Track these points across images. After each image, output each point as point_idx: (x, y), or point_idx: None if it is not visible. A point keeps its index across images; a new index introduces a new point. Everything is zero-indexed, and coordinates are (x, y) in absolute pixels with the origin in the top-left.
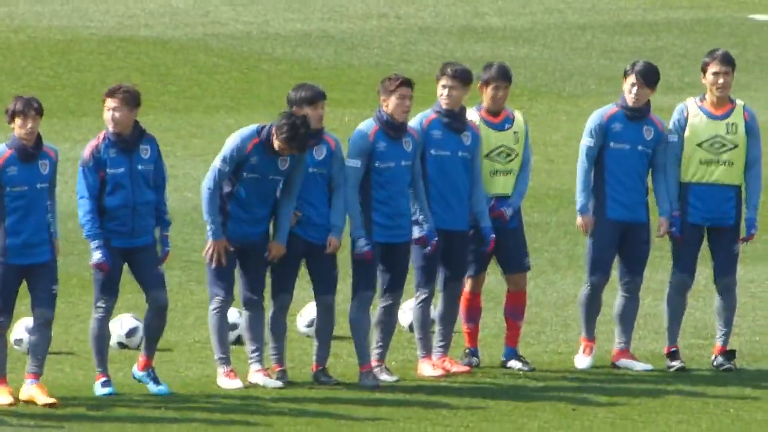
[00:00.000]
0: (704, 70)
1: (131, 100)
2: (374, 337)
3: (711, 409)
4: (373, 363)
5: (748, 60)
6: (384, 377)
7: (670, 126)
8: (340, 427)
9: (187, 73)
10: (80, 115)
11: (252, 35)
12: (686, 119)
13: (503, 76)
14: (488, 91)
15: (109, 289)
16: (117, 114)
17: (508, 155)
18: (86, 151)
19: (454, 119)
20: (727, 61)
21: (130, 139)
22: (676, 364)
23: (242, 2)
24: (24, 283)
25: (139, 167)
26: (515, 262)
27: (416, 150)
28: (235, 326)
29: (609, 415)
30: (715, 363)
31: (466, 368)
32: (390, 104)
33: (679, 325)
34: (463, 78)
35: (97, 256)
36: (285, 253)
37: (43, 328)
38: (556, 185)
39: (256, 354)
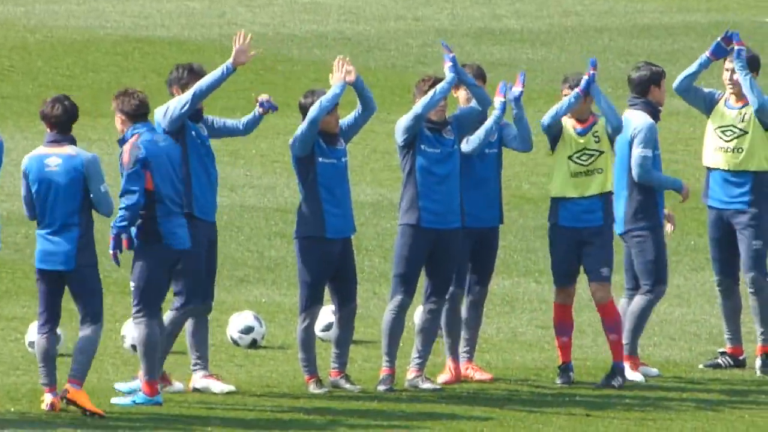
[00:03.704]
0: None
1: None
2: (415, 344)
3: (725, 415)
4: (414, 372)
5: (765, 63)
6: (426, 385)
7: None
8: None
9: None
10: (96, 116)
11: (268, 36)
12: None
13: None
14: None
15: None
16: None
17: (591, 155)
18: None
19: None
20: (736, 56)
21: None
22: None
23: (258, 4)
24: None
25: None
26: (594, 270)
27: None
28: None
29: (624, 421)
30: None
31: (488, 376)
32: None
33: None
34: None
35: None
36: None
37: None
38: None
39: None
